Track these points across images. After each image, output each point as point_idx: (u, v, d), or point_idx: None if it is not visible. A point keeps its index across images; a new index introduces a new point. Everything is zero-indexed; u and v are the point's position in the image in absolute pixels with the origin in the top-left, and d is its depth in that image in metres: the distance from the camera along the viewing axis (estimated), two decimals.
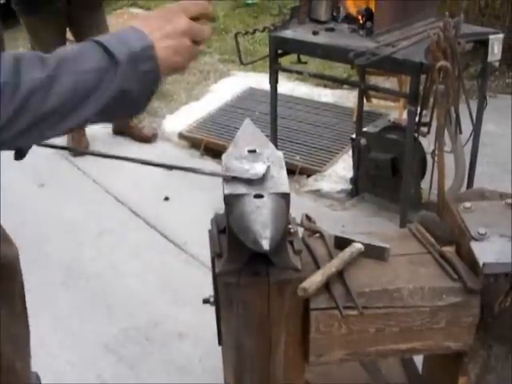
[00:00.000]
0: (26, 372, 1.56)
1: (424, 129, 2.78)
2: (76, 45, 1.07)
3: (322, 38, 2.90)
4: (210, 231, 1.55)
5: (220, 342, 1.66)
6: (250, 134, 1.59)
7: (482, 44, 2.85)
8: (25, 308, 1.56)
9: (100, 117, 1.07)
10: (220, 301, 1.48)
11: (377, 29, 2.83)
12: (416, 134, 2.80)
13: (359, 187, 3.53)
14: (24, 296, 1.56)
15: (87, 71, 1.03)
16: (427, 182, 3.14)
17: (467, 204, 1.55)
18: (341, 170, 3.81)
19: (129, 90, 1.06)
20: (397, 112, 4.25)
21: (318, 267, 1.47)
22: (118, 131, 4.31)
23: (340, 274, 1.45)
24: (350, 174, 3.63)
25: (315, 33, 2.93)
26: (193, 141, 4.26)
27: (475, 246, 1.44)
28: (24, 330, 1.57)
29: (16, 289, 1.50)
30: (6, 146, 1.06)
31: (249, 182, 1.37)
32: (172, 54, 1.11)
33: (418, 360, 1.97)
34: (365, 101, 3.69)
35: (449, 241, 1.56)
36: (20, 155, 1.35)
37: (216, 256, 1.44)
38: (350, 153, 3.64)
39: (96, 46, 1.06)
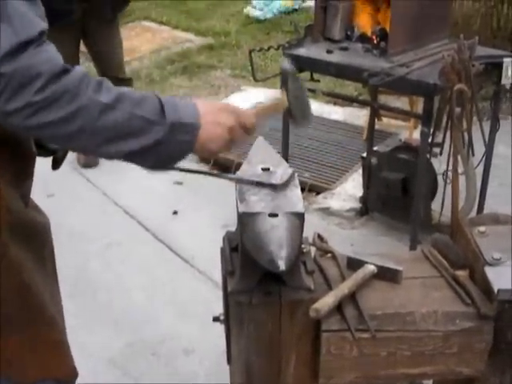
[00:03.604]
0: (63, 326, 1.61)
1: (436, 150, 2.77)
2: (141, 92, 1.24)
3: (336, 57, 2.91)
4: (221, 249, 1.54)
5: (229, 361, 1.65)
6: (263, 152, 1.59)
7: (496, 66, 2.85)
8: (55, 271, 1.62)
9: (129, 157, 1.22)
10: (231, 319, 1.47)
11: (391, 49, 2.83)
12: (428, 155, 2.79)
13: (369, 206, 3.52)
14: (55, 263, 1.61)
15: (140, 117, 1.19)
16: (437, 203, 3.13)
17: (481, 228, 1.54)
18: (350, 189, 3.80)
19: (162, 147, 1.21)
20: (407, 131, 4.24)
21: (330, 288, 1.46)
22: None
23: (352, 296, 1.43)
24: (359, 192, 3.62)
25: (329, 51, 2.93)
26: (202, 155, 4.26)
27: (489, 272, 1.43)
28: (57, 288, 1.63)
29: (46, 253, 1.56)
30: (61, 144, 1.30)
31: (273, 187, 1.37)
32: (211, 140, 1.28)
33: None
34: (375, 119, 3.69)
35: (462, 265, 1.55)
36: (57, 165, 1.63)
37: (228, 274, 1.44)
38: (360, 171, 3.63)
39: (156, 102, 1.21)
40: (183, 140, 1.24)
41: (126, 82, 4.05)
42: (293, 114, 1.45)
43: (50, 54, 1.14)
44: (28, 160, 1.48)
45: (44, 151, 1.55)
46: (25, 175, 1.48)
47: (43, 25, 1.15)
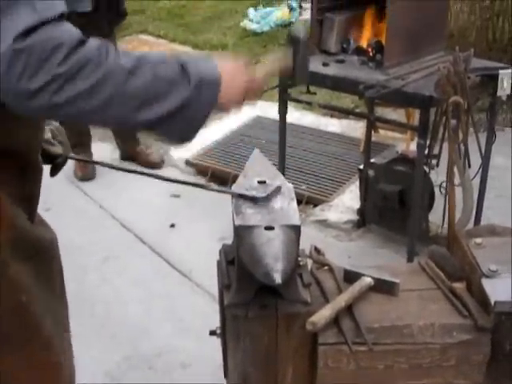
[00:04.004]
0: (62, 348, 1.57)
1: (433, 161, 2.78)
2: (158, 52, 1.26)
3: (332, 70, 2.91)
4: (218, 262, 1.54)
5: (226, 374, 1.64)
6: (259, 165, 1.60)
7: (491, 78, 2.86)
8: (63, 290, 1.59)
9: (159, 124, 1.20)
10: (227, 333, 1.47)
11: (387, 61, 2.84)
12: (425, 167, 2.80)
13: (366, 218, 3.52)
14: (63, 279, 1.59)
15: (162, 78, 1.18)
16: (434, 215, 3.13)
17: (478, 240, 1.54)
18: (348, 201, 3.80)
19: (190, 106, 1.21)
20: (404, 143, 4.25)
21: (326, 301, 1.45)
22: (126, 157, 4.32)
23: (349, 309, 1.43)
24: (356, 204, 3.62)
25: (325, 64, 2.94)
26: (199, 168, 4.26)
27: (486, 283, 1.43)
28: (64, 309, 1.60)
29: (54, 270, 1.53)
30: (88, 119, 1.20)
31: (254, 200, 1.37)
32: (228, 98, 1.29)
33: None
34: (372, 131, 3.70)
35: (459, 277, 1.55)
36: (55, 172, 1.63)
37: (224, 288, 1.43)
38: (357, 183, 3.63)
39: (176, 62, 1.21)
40: (207, 95, 1.24)
41: None
42: (295, 74, 1.47)
43: (67, 27, 1.12)
44: (35, 174, 1.46)
45: (43, 157, 1.54)
46: (32, 190, 1.45)
47: (64, 7, 1.13)
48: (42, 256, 1.47)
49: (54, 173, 1.65)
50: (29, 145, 1.38)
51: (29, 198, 1.44)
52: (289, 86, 1.50)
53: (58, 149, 1.63)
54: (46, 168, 1.59)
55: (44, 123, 1.48)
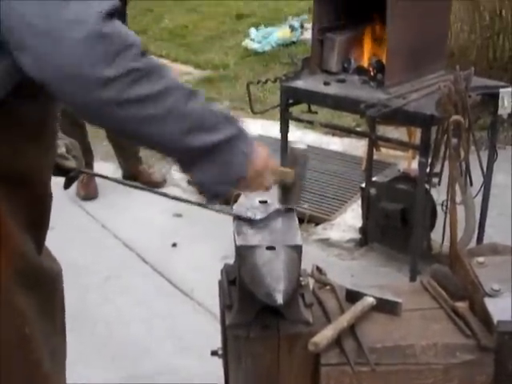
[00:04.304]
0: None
1: (435, 180, 2.78)
2: None
3: (333, 89, 2.93)
4: (219, 282, 1.53)
5: None
6: None
7: (492, 97, 2.87)
8: (64, 326, 1.56)
9: (201, 154, 1.20)
10: (229, 353, 1.46)
11: (387, 81, 2.85)
12: (427, 185, 2.80)
13: (368, 237, 3.51)
14: (64, 316, 1.56)
15: (213, 112, 1.21)
16: (436, 233, 3.13)
17: (480, 259, 1.54)
18: (350, 219, 3.80)
19: (230, 147, 1.22)
20: (405, 161, 4.25)
21: (329, 321, 1.45)
22: (128, 176, 4.32)
23: (352, 329, 1.43)
24: (358, 223, 3.62)
25: (326, 83, 2.96)
26: None
27: (489, 303, 1.42)
28: (62, 345, 1.56)
29: (57, 304, 1.50)
30: (143, 127, 1.14)
31: (250, 221, 1.37)
32: (255, 165, 1.29)
33: None
34: (374, 150, 3.70)
35: (462, 296, 1.54)
36: (69, 185, 1.64)
37: (226, 308, 1.43)
38: (359, 202, 3.63)
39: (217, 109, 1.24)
40: (248, 146, 1.26)
41: None
42: (291, 192, 1.46)
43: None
44: (45, 205, 1.44)
45: (57, 170, 1.55)
46: (41, 221, 1.43)
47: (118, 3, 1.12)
48: (46, 288, 1.44)
49: (67, 186, 1.67)
50: (38, 167, 1.36)
51: (37, 227, 1.41)
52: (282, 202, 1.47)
53: (71, 163, 1.64)
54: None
55: (54, 142, 1.46)
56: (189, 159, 1.22)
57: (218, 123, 1.21)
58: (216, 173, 1.24)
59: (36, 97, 1.21)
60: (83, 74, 1.04)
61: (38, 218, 1.41)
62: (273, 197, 1.50)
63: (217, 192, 1.28)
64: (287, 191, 1.45)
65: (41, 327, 1.40)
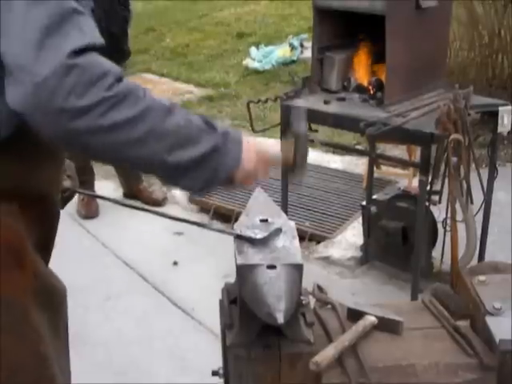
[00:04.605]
0: None
1: (435, 197, 2.78)
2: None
3: (333, 108, 2.94)
4: (220, 301, 1.53)
5: None
6: (261, 203, 1.60)
7: (492, 115, 2.88)
8: (68, 345, 1.56)
9: (184, 169, 1.21)
10: (230, 373, 1.45)
11: (387, 99, 2.87)
12: (427, 203, 2.80)
13: (369, 255, 3.51)
14: (67, 335, 1.56)
15: (195, 124, 1.22)
16: (438, 251, 3.12)
17: (481, 277, 1.53)
18: (351, 237, 3.80)
19: (218, 154, 1.23)
20: (406, 179, 4.26)
21: (330, 340, 1.44)
22: (129, 195, 4.33)
23: (353, 348, 1.42)
24: (360, 240, 3.61)
25: (326, 102, 2.97)
26: (202, 205, 4.27)
27: (491, 321, 1.42)
28: (68, 363, 1.57)
29: (61, 324, 1.51)
30: (122, 152, 1.17)
31: (251, 241, 1.37)
32: (246, 163, 1.30)
33: None
34: (374, 168, 3.71)
35: (463, 315, 1.54)
36: (64, 204, 1.62)
37: (226, 327, 1.42)
38: (360, 220, 3.63)
39: (200, 116, 1.25)
40: (234, 146, 1.27)
41: None
42: (294, 170, 1.47)
43: (109, 60, 1.16)
44: (54, 220, 1.46)
45: None
46: (49, 239, 1.45)
47: (103, 41, 1.17)
48: (55, 307, 1.45)
49: (62, 206, 1.67)
50: (51, 182, 1.38)
51: (46, 245, 1.43)
52: (287, 177, 1.49)
53: (66, 183, 1.65)
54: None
55: (63, 164, 1.49)
56: (175, 174, 1.23)
57: (200, 134, 1.22)
58: (204, 178, 1.25)
59: None
60: (54, 106, 1.08)
61: (47, 236, 1.43)
62: (274, 215, 1.51)
63: (206, 190, 1.29)
64: (290, 170, 1.46)
65: (52, 344, 1.42)
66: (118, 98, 1.12)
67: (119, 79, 1.14)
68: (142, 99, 1.15)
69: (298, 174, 1.48)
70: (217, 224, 3.99)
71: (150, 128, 1.15)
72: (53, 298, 1.43)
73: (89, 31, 1.14)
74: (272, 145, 1.44)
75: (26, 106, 1.10)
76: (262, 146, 1.38)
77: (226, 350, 1.42)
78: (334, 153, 4.92)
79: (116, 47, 3.91)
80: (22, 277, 1.32)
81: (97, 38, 1.15)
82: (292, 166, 1.46)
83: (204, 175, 1.24)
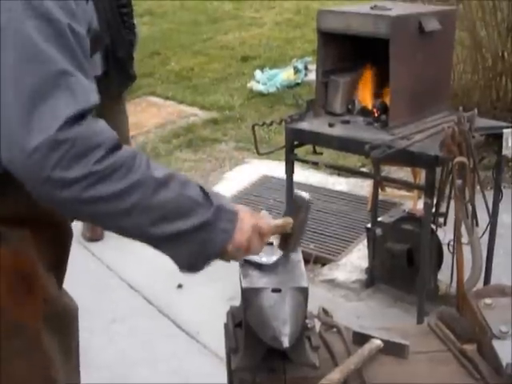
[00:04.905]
0: None
1: (440, 220, 2.78)
2: (183, 174, 1.24)
3: (338, 131, 2.95)
4: (225, 325, 1.52)
5: None
6: None
7: (496, 137, 2.89)
8: (78, 364, 1.55)
9: (169, 241, 1.19)
10: None
11: (391, 122, 2.88)
12: (433, 226, 2.79)
13: (375, 277, 3.50)
14: (78, 353, 1.55)
15: (188, 196, 1.19)
16: (443, 274, 3.11)
17: (488, 301, 1.52)
18: (356, 260, 3.79)
19: (206, 231, 1.21)
20: (411, 201, 4.25)
21: (335, 364, 1.43)
22: None
23: (359, 372, 1.41)
24: (365, 263, 3.60)
25: (331, 125, 2.98)
26: None
27: (497, 345, 1.41)
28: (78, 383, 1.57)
29: (73, 344, 1.50)
30: (107, 222, 1.19)
31: (259, 267, 1.37)
32: (241, 236, 1.27)
33: None
34: (379, 190, 3.71)
35: (469, 338, 1.53)
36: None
37: (231, 351, 1.42)
38: (365, 242, 3.62)
39: (198, 186, 1.22)
40: (226, 224, 1.23)
41: None
42: (289, 241, 1.44)
43: (106, 127, 1.15)
44: (67, 239, 1.47)
45: None
46: (63, 258, 1.46)
47: (97, 98, 1.16)
48: (66, 327, 1.45)
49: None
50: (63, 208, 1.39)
51: (59, 265, 1.44)
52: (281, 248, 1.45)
53: None
54: None
55: None
56: (158, 245, 1.22)
57: (192, 208, 1.19)
58: (190, 252, 1.22)
59: None
60: (41, 176, 1.09)
61: (60, 255, 1.44)
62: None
63: (195, 264, 1.26)
64: (286, 239, 1.43)
65: (62, 367, 1.42)
66: (106, 172, 1.10)
67: (113, 149, 1.12)
68: (133, 172, 1.13)
69: (290, 249, 1.45)
70: None
71: (136, 202, 1.13)
72: (64, 320, 1.44)
73: (81, 93, 1.12)
74: (268, 218, 1.40)
75: (15, 171, 1.11)
76: (257, 219, 1.33)
77: (231, 373, 1.41)
78: (338, 175, 4.92)
79: (122, 71, 3.96)
80: (33, 302, 1.32)
81: (90, 99, 1.14)
82: (287, 239, 1.43)
83: (189, 249, 1.21)
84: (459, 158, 2.52)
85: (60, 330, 1.41)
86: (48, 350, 1.36)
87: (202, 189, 1.22)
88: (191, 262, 1.25)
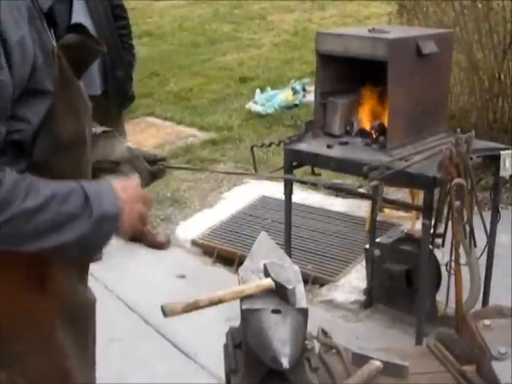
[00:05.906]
0: None
1: (438, 241, 2.78)
2: (68, 183, 1.30)
3: (336, 152, 2.97)
4: (224, 345, 1.52)
5: None
6: (265, 247, 1.61)
7: (494, 159, 2.90)
8: (94, 357, 1.67)
9: (58, 250, 1.29)
10: None
11: (390, 143, 2.89)
12: (431, 247, 2.80)
13: (373, 298, 3.49)
14: (95, 346, 1.67)
15: (65, 213, 1.27)
16: (442, 294, 3.11)
17: (486, 322, 1.53)
18: (354, 280, 3.78)
19: (87, 239, 1.30)
20: (409, 222, 4.26)
21: None
22: (132, 238, 4.32)
23: None
24: (363, 284, 3.60)
25: (329, 146, 3.00)
26: (206, 248, 4.26)
27: (497, 366, 1.41)
28: (93, 378, 1.68)
29: (89, 335, 1.62)
30: None
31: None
32: (129, 225, 1.38)
33: None
34: (377, 211, 3.72)
35: (468, 359, 1.53)
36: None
37: (231, 372, 1.42)
38: (363, 263, 3.62)
39: (81, 193, 1.29)
40: (107, 230, 1.34)
41: None
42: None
43: None
44: None
45: None
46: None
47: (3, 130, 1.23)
48: (82, 322, 1.55)
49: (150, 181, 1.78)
50: None
51: (84, 261, 1.55)
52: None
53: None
54: None
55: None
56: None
57: (71, 222, 1.27)
58: (79, 254, 1.36)
59: (67, 150, 1.36)
60: None
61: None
62: (278, 259, 1.51)
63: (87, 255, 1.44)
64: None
65: (79, 360, 1.52)
66: None
67: None
68: (8, 208, 1.20)
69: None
70: (220, 267, 3.98)
71: (11, 232, 1.23)
72: (80, 315, 1.54)
73: None
74: (137, 180, 1.48)
75: None
76: (137, 195, 1.42)
77: None
78: (336, 196, 4.93)
79: (121, 91, 3.98)
80: (47, 299, 1.41)
81: None
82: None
83: (73, 253, 1.33)
84: (457, 180, 2.53)
85: (76, 324, 1.50)
86: (62, 342, 1.45)
87: (84, 195, 1.29)
88: (84, 254, 1.41)
